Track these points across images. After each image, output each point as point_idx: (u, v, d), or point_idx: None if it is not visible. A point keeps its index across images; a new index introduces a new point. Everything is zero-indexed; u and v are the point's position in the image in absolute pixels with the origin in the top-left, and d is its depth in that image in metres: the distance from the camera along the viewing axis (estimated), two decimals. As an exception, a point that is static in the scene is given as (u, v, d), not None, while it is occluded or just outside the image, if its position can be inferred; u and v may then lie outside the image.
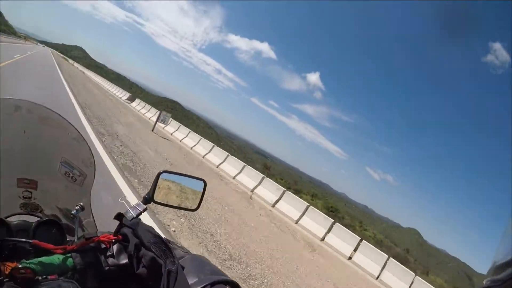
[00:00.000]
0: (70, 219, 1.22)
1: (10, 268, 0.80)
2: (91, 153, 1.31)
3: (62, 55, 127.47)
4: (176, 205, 1.24)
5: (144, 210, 1.09)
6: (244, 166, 16.30)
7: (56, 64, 44.75)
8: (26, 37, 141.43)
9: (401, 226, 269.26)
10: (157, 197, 1.15)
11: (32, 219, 1.18)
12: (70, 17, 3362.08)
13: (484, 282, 0.49)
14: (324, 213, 13.67)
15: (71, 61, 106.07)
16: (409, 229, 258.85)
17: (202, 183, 1.28)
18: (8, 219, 1.11)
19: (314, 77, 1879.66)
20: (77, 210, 1.18)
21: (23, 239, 0.98)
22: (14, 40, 72.42)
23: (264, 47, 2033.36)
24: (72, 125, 1.27)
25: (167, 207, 1.24)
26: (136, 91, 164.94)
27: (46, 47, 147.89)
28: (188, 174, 1.27)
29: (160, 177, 1.15)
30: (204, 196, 1.31)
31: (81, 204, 1.20)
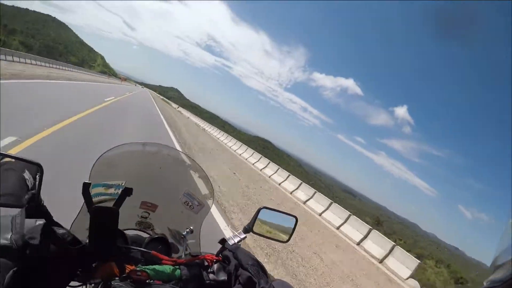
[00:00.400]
0: (176, 239, 1.44)
1: (129, 269, 1.06)
2: (212, 190, 1.55)
3: (161, 97, 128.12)
4: (271, 236, 1.43)
5: (244, 238, 1.33)
6: (350, 215, 14.85)
7: (160, 114, 30.15)
8: (124, 78, 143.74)
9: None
10: (255, 228, 1.36)
11: (143, 235, 1.44)
12: (165, 62, 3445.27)
13: (484, 283, 0.48)
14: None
15: (173, 104, 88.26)
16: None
17: (294, 219, 1.46)
18: (125, 231, 1.34)
19: (402, 111, 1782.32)
20: (187, 232, 1.42)
21: (143, 249, 1.23)
22: (107, 80, 68.17)
23: (350, 84, 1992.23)
24: (201, 168, 1.56)
25: (263, 238, 1.42)
26: (229, 129, 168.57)
27: (145, 88, 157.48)
28: (283, 210, 1.45)
29: (260, 211, 1.36)
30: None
31: (191, 227, 1.43)
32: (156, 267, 1.11)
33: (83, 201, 1.06)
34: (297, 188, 18.29)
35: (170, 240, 1.41)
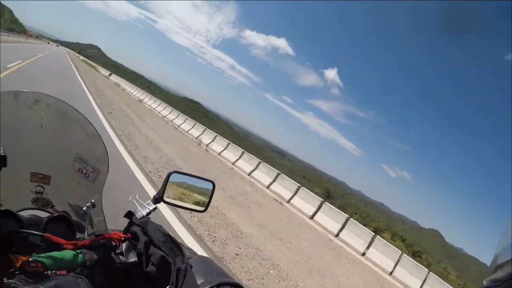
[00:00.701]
0: (81, 216, 1.22)
1: (21, 261, 0.83)
2: (106, 150, 1.30)
3: (81, 57, 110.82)
4: (185, 206, 1.26)
5: (154, 209, 1.13)
6: (299, 187, 14.36)
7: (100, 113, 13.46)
8: (35, 35, 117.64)
9: (421, 226, 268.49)
10: (167, 196, 1.17)
11: (43, 214, 1.20)
12: (84, 16, 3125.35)
13: (484, 282, 0.49)
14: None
15: (101, 69, 66.28)
16: (430, 230, 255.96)
17: (211, 184, 1.30)
18: (19, 213, 1.12)
19: (332, 73, 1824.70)
20: (88, 207, 1.20)
21: (36, 232, 0.99)
22: (7, 38, 35.52)
23: (281, 43, 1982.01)
24: (89, 121, 1.27)
25: (177, 208, 1.26)
26: (155, 90, 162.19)
27: (60, 46, 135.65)
28: (198, 175, 1.28)
29: (170, 177, 1.17)
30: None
31: (92, 201, 1.22)
32: (54, 254, 0.89)
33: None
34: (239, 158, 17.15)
35: (74, 218, 1.22)
